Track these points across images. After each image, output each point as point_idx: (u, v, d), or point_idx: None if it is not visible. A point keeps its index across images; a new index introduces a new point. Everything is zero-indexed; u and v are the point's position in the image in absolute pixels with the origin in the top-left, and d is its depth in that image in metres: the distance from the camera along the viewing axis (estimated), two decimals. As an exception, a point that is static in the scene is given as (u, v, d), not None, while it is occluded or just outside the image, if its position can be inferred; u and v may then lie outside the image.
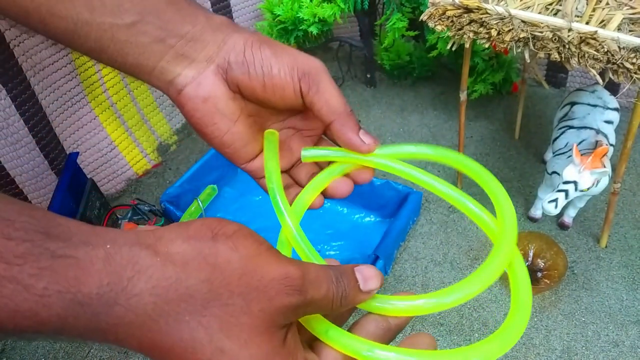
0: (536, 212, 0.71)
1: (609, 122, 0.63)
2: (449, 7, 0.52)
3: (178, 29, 0.31)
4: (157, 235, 0.25)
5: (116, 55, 0.31)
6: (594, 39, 0.45)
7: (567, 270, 0.61)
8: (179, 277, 0.24)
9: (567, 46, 0.47)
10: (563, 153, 0.63)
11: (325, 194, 0.37)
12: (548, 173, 0.65)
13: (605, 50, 0.45)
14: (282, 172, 0.36)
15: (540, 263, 0.62)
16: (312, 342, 0.29)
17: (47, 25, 0.31)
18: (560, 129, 0.66)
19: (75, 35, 0.31)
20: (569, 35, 0.46)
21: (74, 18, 0.30)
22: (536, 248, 0.63)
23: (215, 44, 0.32)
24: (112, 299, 0.23)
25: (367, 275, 0.29)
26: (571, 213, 0.69)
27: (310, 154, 0.34)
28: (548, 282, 0.60)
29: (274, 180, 0.33)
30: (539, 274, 0.62)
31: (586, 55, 0.46)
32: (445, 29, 0.54)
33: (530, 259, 0.63)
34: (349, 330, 0.29)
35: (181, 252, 0.25)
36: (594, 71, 0.47)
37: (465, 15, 0.51)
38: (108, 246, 0.24)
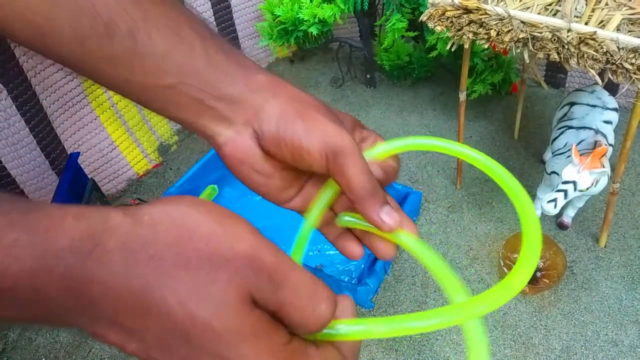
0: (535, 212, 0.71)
1: (608, 122, 0.64)
2: (448, 8, 0.52)
3: (217, 91, 0.30)
4: (133, 208, 0.23)
5: (158, 108, 0.31)
6: (593, 39, 0.45)
7: (566, 270, 0.61)
8: (147, 238, 0.23)
9: (566, 46, 0.47)
10: (562, 153, 0.63)
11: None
12: (547, 173, 0.65)
13: (605, 50, 0.45)
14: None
15: (540, 263, 0.63)
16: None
17: (98, 80, 0.31)
18: (559, 129, 0.66)
19: (119, 89, 0.31)
20: (568, 36, 0.46)
21: (115, 78, 0.30)
22: None
23: (254, 108, 0.31)
24: (85, 253, 0.22)
25: (345, 305, 0.25)
26: (570, 213, 0.69)
27: (345, 220, 0.32)
28: (547, 281, 0.60)
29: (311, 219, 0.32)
30: (538, 274, 0.62)
31: (585, 56, 0.46)
32: (445, 29, 0.54)
33: None
34: None
35: (150, 214, 0.23)
36: (593, 71, 0.47)
37: (465, 16, 0.51)
38: (76, 207, 0.22)
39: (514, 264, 0.51)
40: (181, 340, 0.22)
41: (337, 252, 0.72)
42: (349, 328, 0.23)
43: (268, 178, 0.32)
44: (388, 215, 0.31)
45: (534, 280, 0.61)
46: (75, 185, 0.66)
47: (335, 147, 0.30)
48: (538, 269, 0.62)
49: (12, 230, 0.21)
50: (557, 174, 0.61)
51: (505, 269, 0.62)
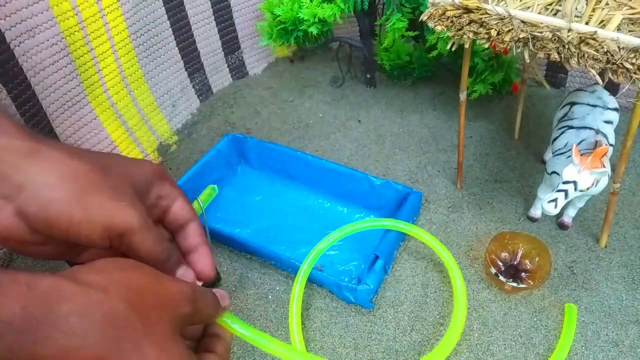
0: (536, 212, 0.71)
1: (608, 122, 0.64)
2: (448, 8, 0.52)
3: None
4: (72, 270, 0.29)
5: None
6: (594, 39, 0.45)
7: (548, 276, 0.61)
8: (102, 300, 0.28)
9: (566, 46, 0.47)
10: (563, 153, 0.63)
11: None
12: (548, 173, 0.65)
13: (605, 50, 0.45)
14: None
15: (527, 264, 0.63)
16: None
17: None
18: (559, 129, 0.66)
19: None
20: (568, 36, 0.46)
21: None
22: (525, 249, 0.63)
23: (15, 184, 0.31)
24: (39, 320, 0.26)
25: (222, 295, 0.38)
26: (571, 213, 0.69)
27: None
28: (531, 282, 0.60)
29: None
30: (523, 275, 0.62)
31: (586, 56, 0.46)
32: (445, 29, 0.54)
33: (518, 259, 0.63)
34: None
35: (99, 280, 0.29)
36: (593, 71, 0.47)
37: (465, 15, 0.51)
38: (28, 276, 0.27)
39: (500, 261, 0.56)
40: None
41: (337, 252, 0.73)
42: (235, 326, 0.38)
43: (40, 246, 0.34)
44: (184, 275, 0.39)
45: (517, 280, 0.61)
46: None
47: (119, 229, 0.33)
48: (524, 270, 0.62)
49: None
50: (558, 174, 0.61)
51: (490, 265, 0.62)
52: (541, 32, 0.48)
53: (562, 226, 0.70)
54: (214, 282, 0.65)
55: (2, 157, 0.31)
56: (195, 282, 0.39)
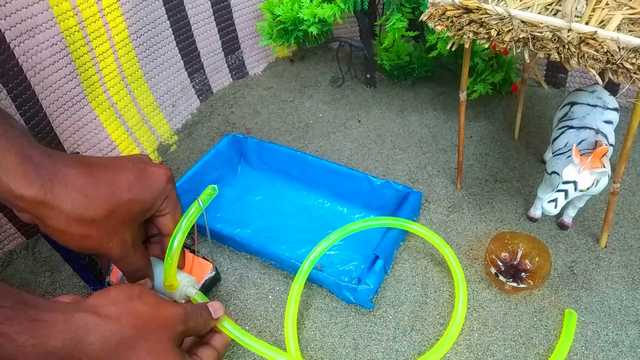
0: (536, 212, 0.71)
1: (608, 122, 0.64)
2: (448, 8, 0.52)
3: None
4: (93, 303, 0.40)
5: None
6: (594, 39, 0.45)
7: (548, 276, 0.61)
8: (117, 328, 0.39)
9: (566, 46, 0.47)
10: (563, 153, 0.63)
11: None
12: (548, 173, 0.65)
13: (605, 50, 0.45)
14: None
15: (527, 264, 0.63)
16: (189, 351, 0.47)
17: None
18: (559, 129, 0.66)
19: None
20: (568, 36, 0.46)
21: None
22: (525, 249, 0.63)
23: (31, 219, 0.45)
24: (73, 348, 0.37)
25: (215, 307, 0.49)
26: (571, 213, 0.69)
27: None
28: (531, 283, 0.60)
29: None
30: (523, 274, 0.62)
31: (586, 56, 0.46)
32: (445, 29, 0.54)
33: (518, 259, 0.63)
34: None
35: (114, 312, 0.40)
36: (593, 71, 0.47)
37: (465, 15, 0.51)
38: (65, 314, 0.38)
39: (500, 261, 0.56)
40: None
41: (337, 252, 0.73)
42: (228, 327, 0.50)
43: None
44: (145, 284, 0.53)
45: (517, 280, 0.61)
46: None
47: (110, 258, 0.50)
48: (524, 270, 0.62)
49: (23, 335, 0.34)
50: (558, 174, 0.61)
51: (490, 265, 0.62)
52: (541, 32, 0.48)
53: (562, 226, 0.70)
54: (214, 282, 0.65)
55: (17, 204, 0.41)
56: (188, 305, 0.48)
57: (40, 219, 0.42)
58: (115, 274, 0.58)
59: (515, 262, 0.64)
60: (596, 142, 0.60)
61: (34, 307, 0.37)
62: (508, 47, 0.50)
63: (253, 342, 0.50)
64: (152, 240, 0.56)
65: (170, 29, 0.87)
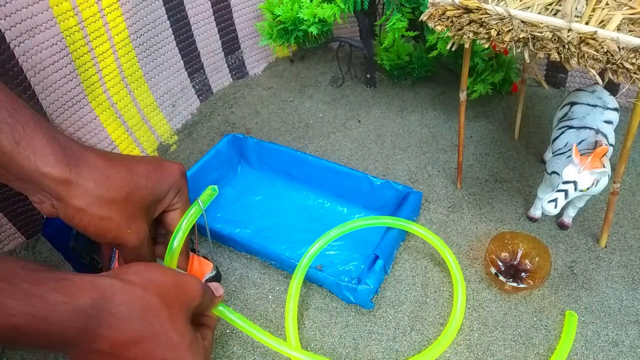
0: (536, 212, 0.71)
1: (608, 122, 0.64)
2: (448, 8, 0.52)
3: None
4: (116, 272, 0.41)
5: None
6: (594, 39, 0.45)
7: (548, 276, 0.61)
8: (142, 294, 0.40)
9: (566, 46, 0.47)
10: (563, 153, 0.63)
11: None
12: (548, 173, 0.65)
13: (605, 50, 0.45)
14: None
15: (527, 264, 0.63)
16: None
17: None
18: (559, 129, 0.66)
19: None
20: (568, 36, 0.46)
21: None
22: (525, 249, 0.63)
23: (53, 201, 0.44)
24: (101, 308, 0.37)
25: (216, 286, 0.50)
26: (571, 213, 0.69)
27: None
28: (531, 283, 0.60)
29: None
30: (523, 274, 0.62)
31: (586, 56, 0.46)
32: (445, 29, 0.54)
33: (518, 259, 0.63)
34: None
35: (137, 279, 0.40)
36: (593, 71, 0.47)
37: (465, 15, 0.51)
38: (91, 277, 0.38)
39: (500, 261, 0.57)
40: None
41: (337, 252, 0.73)
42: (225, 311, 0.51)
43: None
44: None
45: (517, 280, 0.61)
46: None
47: (124, 246, 0.49)
48: (524, 270, 0.62)
49: (52, 294, 0.35)
50: (558, 174, 0.61)
51: (490, 265, 0.62)
52: (541, 32, 0.48)
53: (562, 226, 0.70)
54: (215, 281, 0.65)
55: (41, 183, 0.42)
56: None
57: (63, 198, 0.43)
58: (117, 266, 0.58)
59: (515, 262, 0.64)
60: (596, 142, 0.60)
61: (58, 272, 0.37)
62: (508, 47, 0.50)
63: (256, 330, 0.52)
64: (158, 240, 0.57)
65: (170, 29, 0.87)
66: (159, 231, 0.56)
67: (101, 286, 0.37)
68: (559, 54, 0.48)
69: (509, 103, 0.93)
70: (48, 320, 0.34)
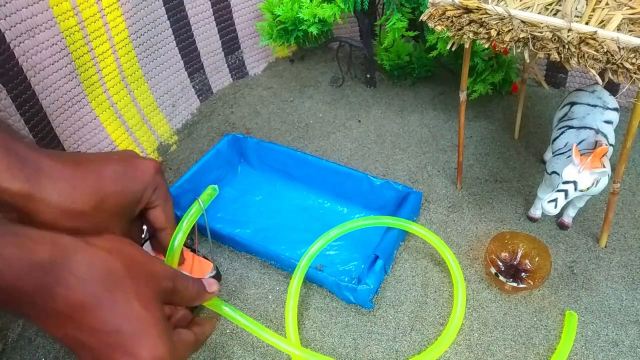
0: (536, 212, 0.71)
1: (608, 122, 0.64)
2: (448, 8, 0.52)
3: None
4: (84, 237, 0.38)
5: None
6: (594, 39, 0.45)
7: (548, 276, 0.61)
8: (106, 258, 0.37)
9: (566, 46, 0.47)
10: (563, 153, 0.63)
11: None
12: (548, 173, 0.65)
13: (605, 50, 0.45)
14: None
15: (527, 264, 0.63)
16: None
17: None
18: (559, 129, 0.66)
19: None
20: (568, 36, 0.46)
21: None
22: (525, 249, 0.63)
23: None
24: (60, 265, 0.34)
25: (210, 283, 0.47)
26: (571, 213, 0.69)
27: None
28: (531, 282, 0.60)
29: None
30: (523, 274, 0.62)
31: (586, 56, 0.46)
32: (445, 29, 0.54)
33: (518, 259, 0.63)
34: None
35: (103, 244, 0.38)
36: (593, 71, 0.47)
37: (465, 15, 0.51)
38: (53, 235, 0.35)
39: (500, 261, 0.57)
40: (115, 333, 0.36)
41: (337, 252, 0.73)
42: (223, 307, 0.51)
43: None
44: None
45: (517, 280, 0.61)
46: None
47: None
48: (524, 270, 0.62)
49: (6, 248, 0.33)
50: (558, 174, 0.61)
51: (490, 265, 0.62)
52: (541, 32, 0.48)
53: (562, 226, 0.70)
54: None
55: (2, 199, 0.40)
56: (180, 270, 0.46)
57: (28, 214, 0.41)
58: None
59: (515, 262, 0.64)
60: (596, 142, 0.60)
61: (17, 226, 0.36)
62: (508, 47, 0.50)
63: (256, 327, 0.52)
64: (156, 236, 0.56)
65: (170, 29, 0.87)
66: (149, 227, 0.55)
67: (62, 244, 0.35)
68: (559, 54, 0.48)
69: (509, 103, 0.93)
70: (3, 275, 0.32)
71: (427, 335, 0.59)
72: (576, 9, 0.48)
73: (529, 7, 0.50)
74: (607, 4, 0.49)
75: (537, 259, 0.63)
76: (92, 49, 0.72)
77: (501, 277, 0.61)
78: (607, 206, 0.64)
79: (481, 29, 0.51)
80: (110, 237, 0.39)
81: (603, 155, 0.57)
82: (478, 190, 0.77)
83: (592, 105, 0.64)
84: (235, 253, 0.70)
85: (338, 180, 0.75)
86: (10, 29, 0.60)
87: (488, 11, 0.50)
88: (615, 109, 0.65)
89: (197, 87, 0.97)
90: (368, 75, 0.99)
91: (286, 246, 0.70)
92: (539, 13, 0.49)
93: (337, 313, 0.62)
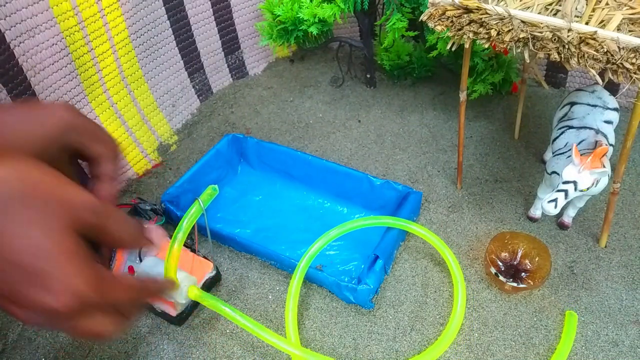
0: (536, 212, 0.71)
1: (608, 122, 0.64)
2: (448, 8, 0.52)
3: None
4: None
5: None
6: (594, 39, 0.45)
7: (548, 276, 0.61)
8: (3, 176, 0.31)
9: (566, 46, 0.47)
10: (563, 153, 0.63)
11: None
12: (548, 173, 0.65)
13: (605, 50, 0.45)
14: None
15: (527, 264, 0.63)
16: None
17: None
18: (559, 129, 0.66)
19: None
20: (568, 36, 0.46)
21: None
22: (525, 249, 0.63)
23: None
24: None
25: (152, 229, 0.42)
26: (571, 213, 0.69)
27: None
28: (531, 283, 0.60)
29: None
30: (523, 274, 0.62)
31: (586, 56, 0.46)
32: (445, 29, 0.54)
33: (518, 259, 0.63)
34: None
35: (5, 163, 0.32)
36: (593, 71, 0.47)
37: (465, 15, 0.51)
38: None
39: (500, 261, 0.57)
40: (16, 267, 0.31)
41: (337, 252, 0.73)
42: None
43: None
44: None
45: (517, 280, 0.61)
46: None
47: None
48: (524, 270, 0.62)
49: None
50: (558, 174, 0.61)
51: (490, 265, 0.62)
52: (541, 32, 0.48)
53: (562, 226, 0.70)
54: (215, 281, 0.65)
55: None
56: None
57: None
58: (119, 267, 0.58)
59: (515, 262, 0.64)
60: (596, 142, 0.60)
61: None
62: (508, 47, 0.50)
63: (256, 327, 0.52)
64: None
65: (170, 29, 0.87)
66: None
67: None
68: (559, 54, 0.48)
69: (509, 103, 0.93)
70: None
71: (427, 335, 0.59)
72: (576, 9, 0.48)
73: (529, 7, 0.50)
74: (607, 4, 0.49)
75: (537, 259, 0.63)
76: (92, 49, 0.72)
77: (501, 277, 0.61)
78: (607, 206, 0.64)
79: (481, 29, 0.51)
80: (13, 157, 0.33)
81: (603, 155, 0.57)
82: (478, 190, 0.77)
83: (592, 105, 0.64)
84: (235, 253, 0.70)
85: (338, 180, 0.75)
86: (10, 29, 0.60)
87: (488, 11, 0.50)
88: (615, 109, 0.65)
89: (197, 87, 0.97)
90: (368, 75, 0.99)
91: (286, 246, 0.70)
92: (539, 13, 0.49)
93: (337, 313, 0.62)
